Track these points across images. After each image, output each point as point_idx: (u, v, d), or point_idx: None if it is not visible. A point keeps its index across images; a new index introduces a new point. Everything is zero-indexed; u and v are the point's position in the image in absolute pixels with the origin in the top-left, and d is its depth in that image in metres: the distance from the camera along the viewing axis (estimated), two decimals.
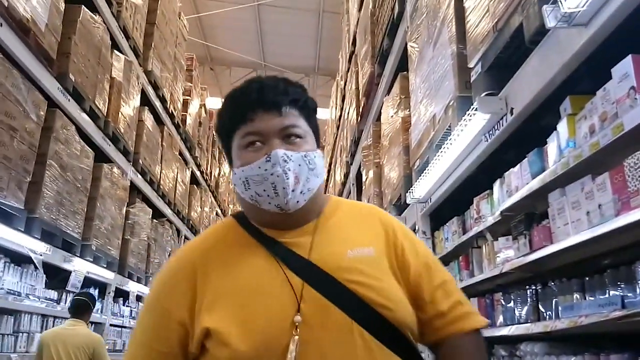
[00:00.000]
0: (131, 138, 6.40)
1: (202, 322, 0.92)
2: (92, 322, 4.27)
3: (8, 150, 3.53)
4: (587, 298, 1.98)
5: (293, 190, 0.95)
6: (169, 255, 8.67)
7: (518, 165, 2.36)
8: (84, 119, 4.92)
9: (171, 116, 8.44)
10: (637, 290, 1.69)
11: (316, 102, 1.09)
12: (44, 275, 4.35)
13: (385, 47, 4.93)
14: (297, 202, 0.97)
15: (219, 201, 14.24)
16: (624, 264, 1.80)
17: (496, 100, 2.37)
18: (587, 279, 2.02)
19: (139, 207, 6.88)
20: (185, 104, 9.55)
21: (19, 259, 4.13)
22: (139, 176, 6.90)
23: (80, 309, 4.08)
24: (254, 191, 0.97)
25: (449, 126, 2.84)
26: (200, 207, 11.37)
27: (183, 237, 9.86)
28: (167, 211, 8.48)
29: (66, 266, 4.70)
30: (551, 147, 2.04)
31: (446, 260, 3.51)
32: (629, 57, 1.55)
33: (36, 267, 4.19)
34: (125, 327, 6.93)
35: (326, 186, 10.84)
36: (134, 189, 6.79)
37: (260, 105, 0.98)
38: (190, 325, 0.94)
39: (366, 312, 0.92)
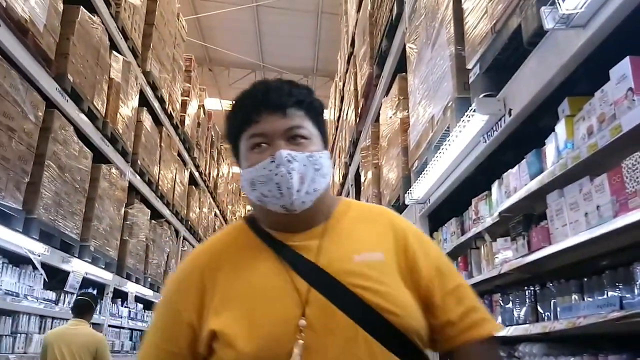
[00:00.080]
0: (130, 139, 6.40)
1: (209, 324, 0.93)
2: (90, 323, 4.31)
3: (6, 150, 3.53)
4: (585, 299, 1.99)
5: (298, 191, 0.96)
6: (167, 256, 8.67)
7: (516, 167, 2.36)
8: (82, 119, 4.92)
9: (170, 117, 8.43)
10: (635, 291, 1.69)
11: (323, 104, 1.10)
12: (44, 276, 4.34)
13: (384, 48, 4.93)
14: (303, 202, 0.97)
15: (218, 202, 14.23)
16: (622, 265, 1.80)
17: (494, 102, 2.37)
18: (585, 280, 2.02)
19: (137, 208, 6.87)
20: (184, 105, 9.54)
21: (17, 260, 4.13)
22: (138, 177, 6.89)
23: (83, 309, 4.13)
24: (260, 192, 0.98)
25: (448, 127, 2.84)
26: (199, 208, 11.36)
27: (182, 238, 9.85)
28: (166, 212, 8.48)
29: (64, 267, 4.69)
30: (549, 149, 2.04)
31: None
32: (627, 59, 1.55)
33: (35, 268, 4.18)
34: (123, 327, 6.92)
35: None
36: (132, 189, 6.79)
37: (265, 107, 0.99)
38: (199, 327, 0.95)
39: (371, 317, 0.91)
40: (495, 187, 2.65)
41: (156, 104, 7.66)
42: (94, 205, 5.29)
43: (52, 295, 4.68)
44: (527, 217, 2.31)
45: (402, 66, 4.29)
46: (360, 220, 1.06)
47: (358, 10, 6.64)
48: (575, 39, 1.76)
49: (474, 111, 2.40)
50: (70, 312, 4.78)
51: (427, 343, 0.99)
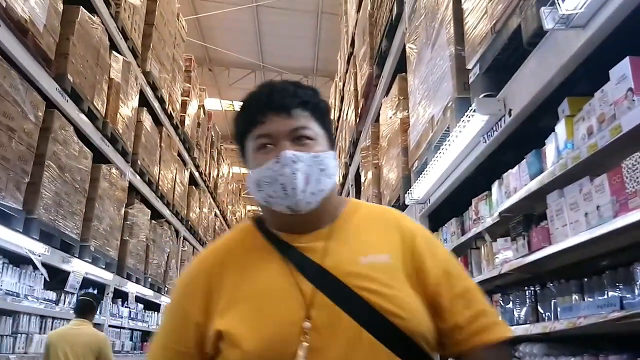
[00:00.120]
0: (130, 139, 6.40)
1: (215, 325, 0.95)
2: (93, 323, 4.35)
3: (6, 150, 3.53)
4: (585, 299, 1.99)
5: (303, 191, 0.96)
6: (167, 256, 8.67)
7: (516, 167, 2.36)
8: (82, 119, 4.92)
9: (170, 117, 8.43)
10: (636, 291, 1.69)
11: (329, 105, 1.10)
12: (45, 275, 4.35)
13: (384, 49, 4.93)
14: (308, 202, 0.97)
15: (218, 202, 14.23)
16: (623, 265, 1.80)
17: (494, 102, 2.37)
18: (585, 280, 2.02)
19: (137, 208, 6.87)
20: (184, 105, 9.54)
21: (18, 260, 4.13)
22: (138, 177, 6.89)
23: (85, 309, 4.19)
24: (265, 193, 0.99)
25: (448, 127, 2.84)
26: (199, 208, 11.36)
27: (182, 238, 9.85)
28: (166, 212, 8.48)
29: (65, 267, 4.70)
30: (549, 149, 2.04)
31: None
32: (627, 59, 1.55)
33: (36, 268, 4.19)
34: (123, 328, 6.92)
35: None
36: (132, 189, 6.79)
37: (270, 108, 1.00)
38: (205, 327, 0.96)
39: (376, 320, 0.91)
40: (495, 187, 2.65)
41: (156, 104, 7.66)
42: (94, 205, 5.29)
43: (52, 295, 4.68)
44: (527, 217, 2.31)
45: (402, 66, 4.29)
46: (367, 221, 1.06)
47: (358, 11, 6.64)
48: (575, 39, 1.76)
49: (474, 111, 2.40)
50: (70, 312, 4.80)
51: (435, 347, 0.98)
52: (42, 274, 4.34)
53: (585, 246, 1.81)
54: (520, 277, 2.54)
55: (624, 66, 1.56)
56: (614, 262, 1.92)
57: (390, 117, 4.61)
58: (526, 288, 2.46)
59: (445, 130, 2.89)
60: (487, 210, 2.80)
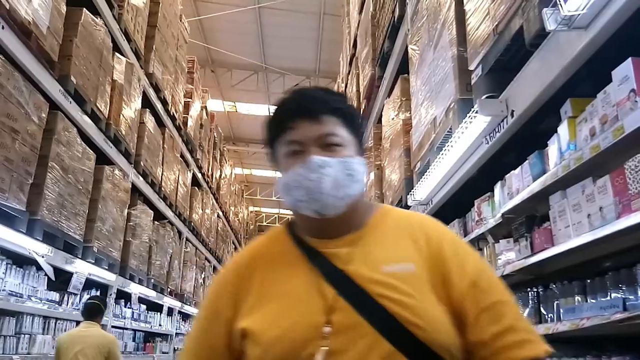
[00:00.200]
0: (132, 140, 6.41)
1: (241, 323, 0.98)
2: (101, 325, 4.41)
3: (10, 152, 3.54)
4: (588, 300, 1.98)
5: (330, 195, 0.97)
6: (170, 257, 8.68)
7: (519, 168, 2.36)
8: (85, 121, 4.93)
9: (172, 118, 8.45)
10: (639, 292, 1.69)
11: (358, 111, 1.12)
12: (51, 275, 4.37)
13: (386, 50, 4.94)
14: (335, 207, 0.98)
15: (220, 203, 14.24)
16: (625, 267, 1.80)
17: (497, 103, 2.37)
18: (588, 281, 2.02)
19: (140, 209, 6.88)
20: (187, 106, 9.56)
21: (21, 261, 4.14)
22: (141, 178, 6.90)
23: (94, 312, 4.32)
24: (294, 197, 1.00)
25: (450, 129, 2.84)
26: (202, 209, 11.37)
27: (184, 239, 9.86)
28: (169, 213, 8.49)
29: (68, 268, 4.71)
30: (552, 150, 2.04)
31: None
32: (629, 60, 1.55)
33: (40, 268, 4.20)
34: (126, 328, 6.93)
35: None
36: (135, 191, 6.80)
37: (300, 114, 1.02)
38: (234, 323, 1.01)
39: (395, 328, 0.90)
40: (497, 188, 2.65)
41: (159, 106, 7.67)
42: (97, 206, 5.30)
43: (55, 296, 4.70)
44: (529, 218, 2.31)
45: (404, 67, 4.29)
46: (396, 228, 1.05)
47: (360, 12, 6.65)
48: (577, 41, 1.76)
49: (477, 112, 2.40)
50: (73, 312, 4.82)
51: None
52: (45, 275, 4.36)
53: (588, 247, 1.81)
54: (523, 278, 2.53)
55: (627, 67, 1.56)
56: (616, 263, 1.92)
57: (393, 119, 4.61)
58: (529, 289, 2.46)
59: (448, 132, 2.89)
60: (490, 211, 2.79)
